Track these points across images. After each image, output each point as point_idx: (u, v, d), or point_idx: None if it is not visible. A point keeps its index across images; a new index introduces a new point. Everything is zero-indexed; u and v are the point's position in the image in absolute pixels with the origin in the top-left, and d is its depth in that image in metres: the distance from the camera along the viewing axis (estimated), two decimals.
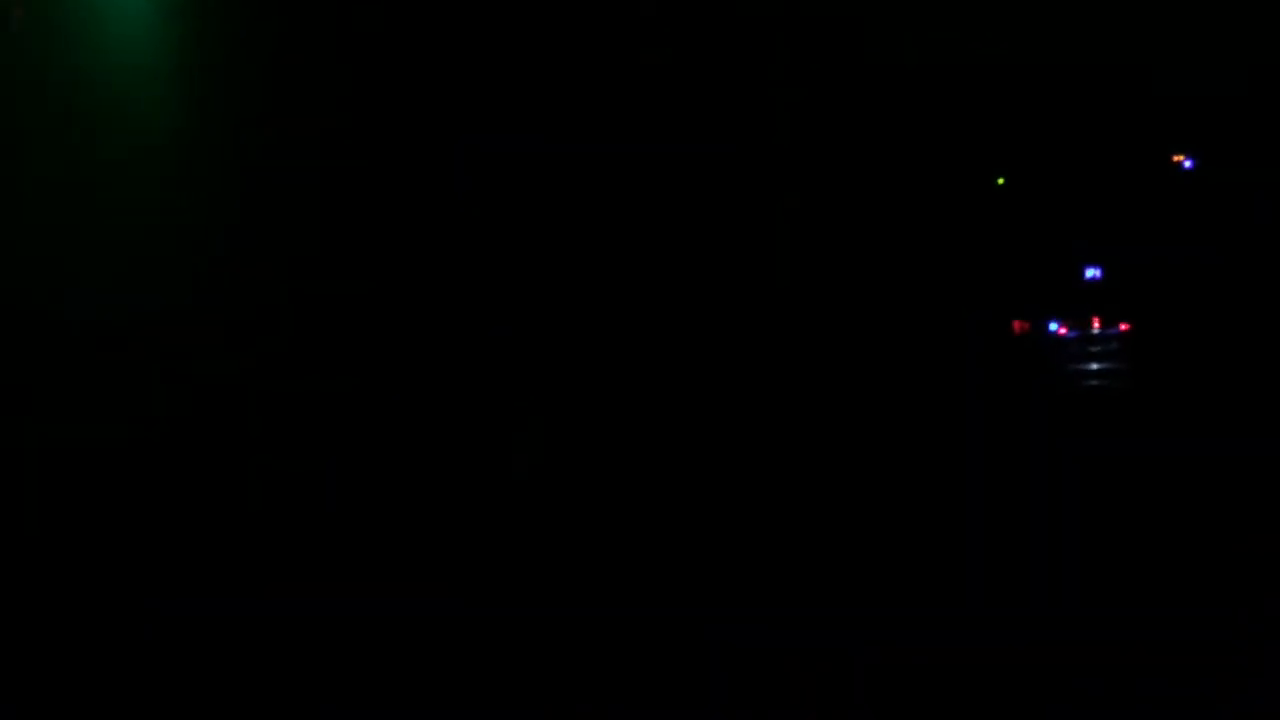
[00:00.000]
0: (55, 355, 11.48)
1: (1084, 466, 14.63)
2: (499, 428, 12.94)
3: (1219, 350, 18.42)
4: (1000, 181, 19.64)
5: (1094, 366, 19.08)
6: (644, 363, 13.72)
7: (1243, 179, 19.02)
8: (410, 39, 12.76)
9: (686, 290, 14.11)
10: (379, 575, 11.41)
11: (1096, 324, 19.47)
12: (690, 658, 9.93)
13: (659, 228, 14.12)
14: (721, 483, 13.40)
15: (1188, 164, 19.46)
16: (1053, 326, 19.61)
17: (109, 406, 11.50)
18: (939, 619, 10.41)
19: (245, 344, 12.01)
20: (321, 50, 12.24)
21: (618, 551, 11.99)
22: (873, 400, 16.23)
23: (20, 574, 10.77)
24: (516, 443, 12.77)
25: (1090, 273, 19.97)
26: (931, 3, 17.20)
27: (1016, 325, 19.45)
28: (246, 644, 10.31)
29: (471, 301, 13.07)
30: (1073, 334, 19.52)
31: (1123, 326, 19.28)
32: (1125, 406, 18.70)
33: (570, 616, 10.74)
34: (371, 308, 12.53)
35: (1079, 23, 19.00)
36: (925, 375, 17.34)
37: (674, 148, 13.49)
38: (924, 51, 17.72)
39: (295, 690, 9.74)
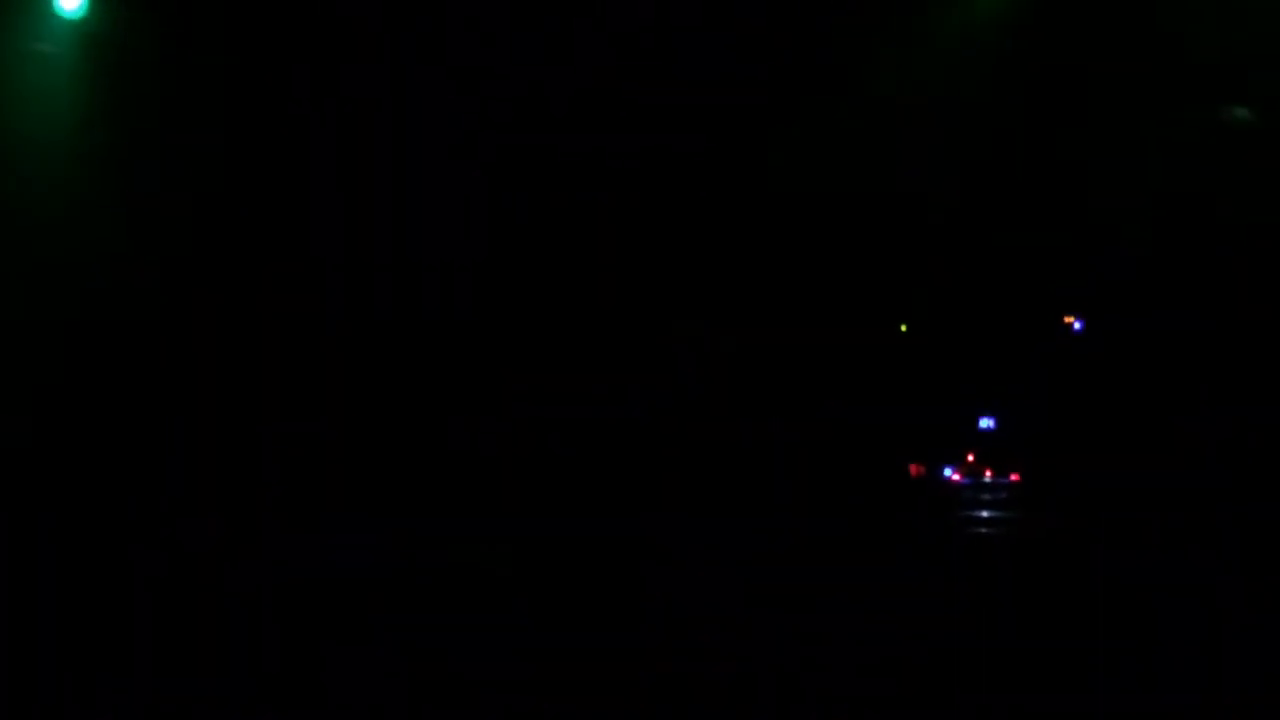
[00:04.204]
0: None
1: None
2: None
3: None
4: (904, 328, 20.27)
5: (985, 514, 19.61)
6: None
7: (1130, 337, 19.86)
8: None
9: None
10: None
11: (988, 474, 20.06)
12: None
13: None
14: None
15: (1078, 325, 20.28)
16: (947, 472, 20.17)
17: None
18: None
19: None
20: None
21: None
22: None
23: None
24: None
25: (984, 423, 20.61)
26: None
27: (913, 469, 19.98)
28: None
29: None
30: (966, 481, 20.08)
31: (1013, 477, 19.89)
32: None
33: None
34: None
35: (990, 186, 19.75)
36: None
37: None
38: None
39: None
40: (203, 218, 12.83)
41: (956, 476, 19.89)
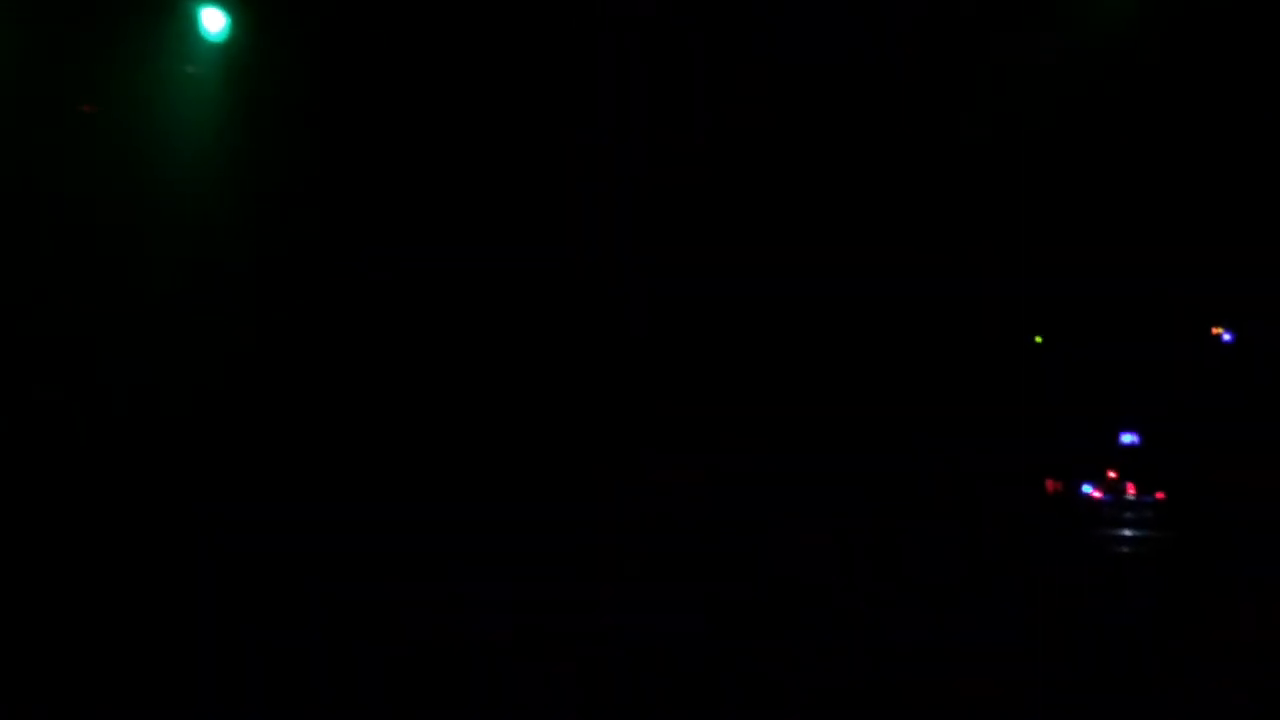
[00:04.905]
0: None
1: None
2: None
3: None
4: (1038, 340, 19.35)
5: (1127, 533, 18.69)
6: None
7: None
8: None
9: None
10: None
11: (1131, 491, 19.11)
12: None
13: None
14: None
15: (1227, 336, 19.27)
16: (1086, 489, 19.25)
17: None
18: None
19: None
20: None
21: None
22: None
23: None
24: None
25: (1127, 439, 19.66)
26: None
27: (1050, 484, 19.07)
28: None
29: None
30: (1107, 498, 19.15)
31: (1158, 495, 18.93)
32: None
33: None
34: None
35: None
36: None
37: None
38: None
39: None
40: (344, 228, 12.61)
41: (1097, 494, 18.97)
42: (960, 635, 11.38)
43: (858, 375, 16.21)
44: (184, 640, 11.07)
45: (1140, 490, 18.92)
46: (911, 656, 10.89)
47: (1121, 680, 11.26)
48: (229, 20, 11.97)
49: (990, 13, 13.69)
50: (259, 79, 12.07)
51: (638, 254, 12.60)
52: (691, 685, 10.77)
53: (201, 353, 12.10)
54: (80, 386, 11.93)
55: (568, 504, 11.93)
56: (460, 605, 11.51)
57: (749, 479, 13.39)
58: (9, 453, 11.61)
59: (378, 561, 11.48)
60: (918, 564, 13.34)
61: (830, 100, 12.98)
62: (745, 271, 13.13)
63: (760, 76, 12.52)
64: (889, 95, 13.12)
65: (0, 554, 11.30)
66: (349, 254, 12.59)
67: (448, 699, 10.73)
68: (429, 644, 11.25)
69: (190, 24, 11.97)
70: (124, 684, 10.43)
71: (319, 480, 11.85)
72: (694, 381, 13.19)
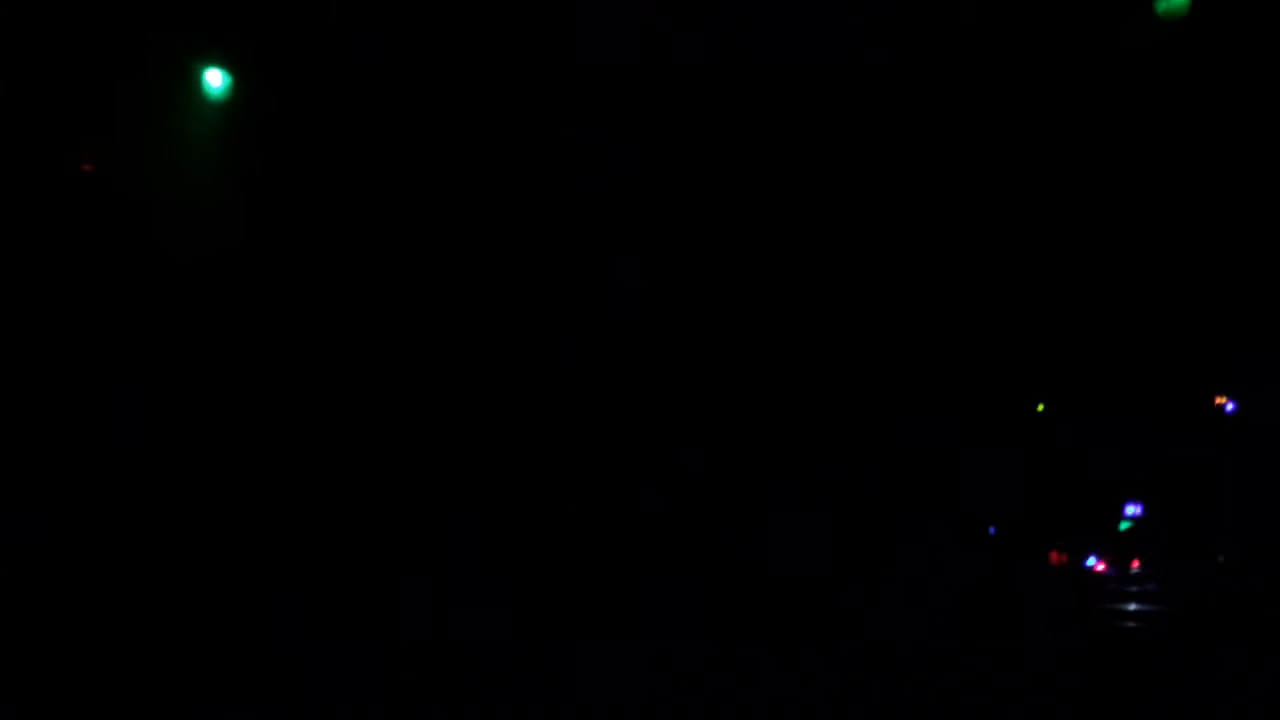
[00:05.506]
0: None
1: None
2: None
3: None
4: (1040, 408, 19.40)
5: (1131, 607, 18.54)
6: None
7: None
8: None
9: None
10: None
11: (1136, 564, 18.99)
12: None
13: None
14: None
15: (1230, 406, 19.31)
16: (1090, 561, 19.11)
17: None
18: None
19: None
20: None
21: None
22: None
23: None
24: None
25: (1131, 509, 19.54)
26: None
27: (1054, 556, 18.96)
28: None
29: None
30: (1111, 571, 19.02)
31: (1162, 566, 18.79)
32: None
33: None
34: None
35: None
36: None
37: None
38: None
39: None
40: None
41: (1101, 566, 18.84)
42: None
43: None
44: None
45: (1145, 562, 18.82)
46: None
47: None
48: (229, 79, 12.38)
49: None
50: (260, 136, 12.45)
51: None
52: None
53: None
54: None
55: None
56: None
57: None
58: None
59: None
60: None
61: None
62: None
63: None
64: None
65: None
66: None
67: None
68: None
69: (193, 83, 12.38)
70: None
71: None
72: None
